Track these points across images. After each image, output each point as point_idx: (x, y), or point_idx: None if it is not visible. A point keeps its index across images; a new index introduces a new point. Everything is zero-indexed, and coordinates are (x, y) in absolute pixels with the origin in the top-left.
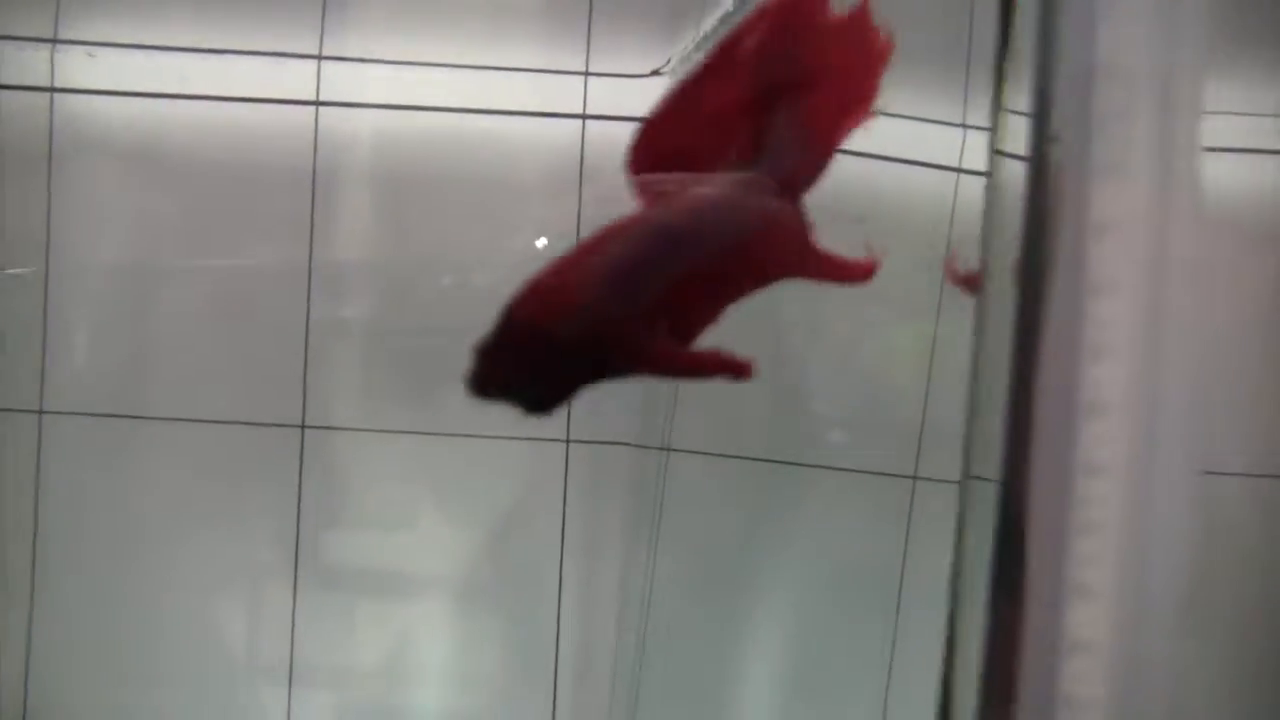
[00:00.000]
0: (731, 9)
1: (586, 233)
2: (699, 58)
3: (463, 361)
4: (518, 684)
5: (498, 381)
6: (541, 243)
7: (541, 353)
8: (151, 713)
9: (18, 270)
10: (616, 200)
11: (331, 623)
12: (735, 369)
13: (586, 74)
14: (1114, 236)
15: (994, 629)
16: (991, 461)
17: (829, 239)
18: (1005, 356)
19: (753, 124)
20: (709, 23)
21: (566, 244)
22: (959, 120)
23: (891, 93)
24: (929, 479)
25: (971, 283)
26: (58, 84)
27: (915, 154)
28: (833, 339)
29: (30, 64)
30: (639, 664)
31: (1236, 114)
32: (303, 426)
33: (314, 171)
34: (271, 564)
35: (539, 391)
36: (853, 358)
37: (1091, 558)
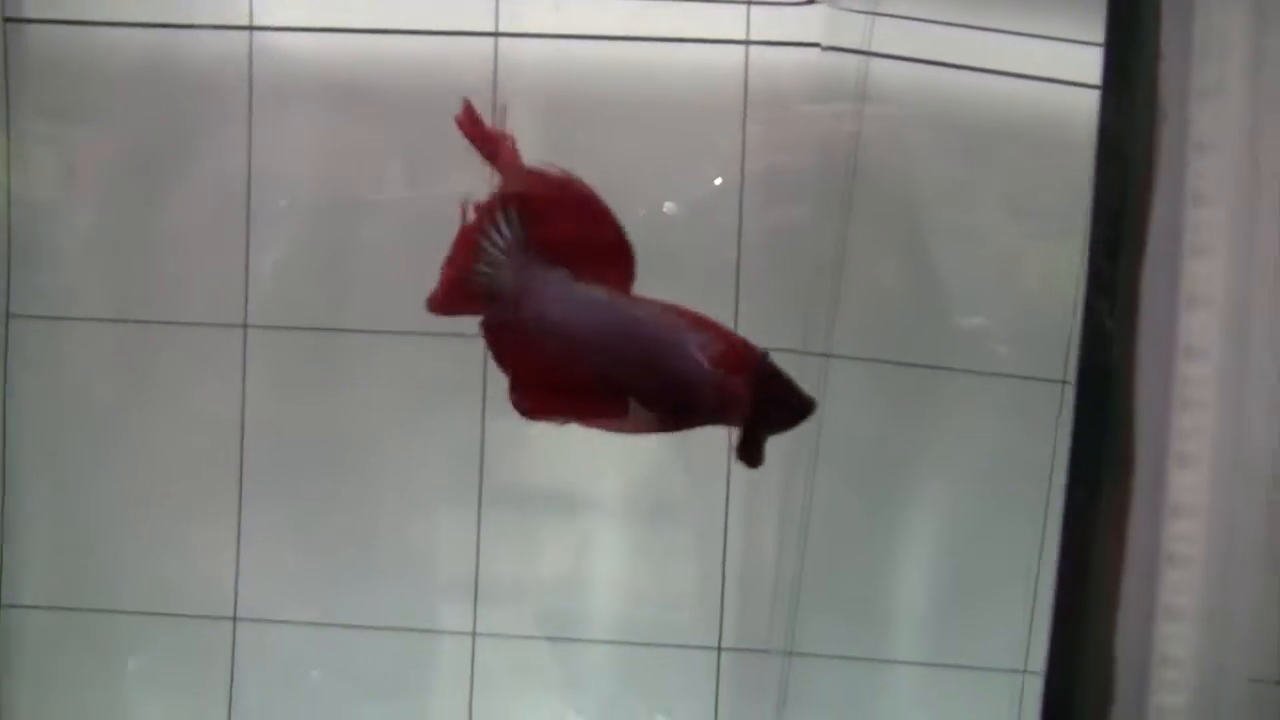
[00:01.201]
0: None
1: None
2: None
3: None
4: (687, 592)
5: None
6: (718, 181)
7: None
8: (356, 610)
9: None
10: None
11: (513, 534)
12: None
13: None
14: (1213, 153)
15: (1105, 497)
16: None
17: None
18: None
19: None
20: None
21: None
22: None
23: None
24: None
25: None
26: (256, 22)
27: (1057, 74)
28: (987, 248)
29: (228, 3)
30: (800, 570)
31: None
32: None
33: (493, 101)
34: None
35: None
36: (1006, 267)
37: (1191, 430)
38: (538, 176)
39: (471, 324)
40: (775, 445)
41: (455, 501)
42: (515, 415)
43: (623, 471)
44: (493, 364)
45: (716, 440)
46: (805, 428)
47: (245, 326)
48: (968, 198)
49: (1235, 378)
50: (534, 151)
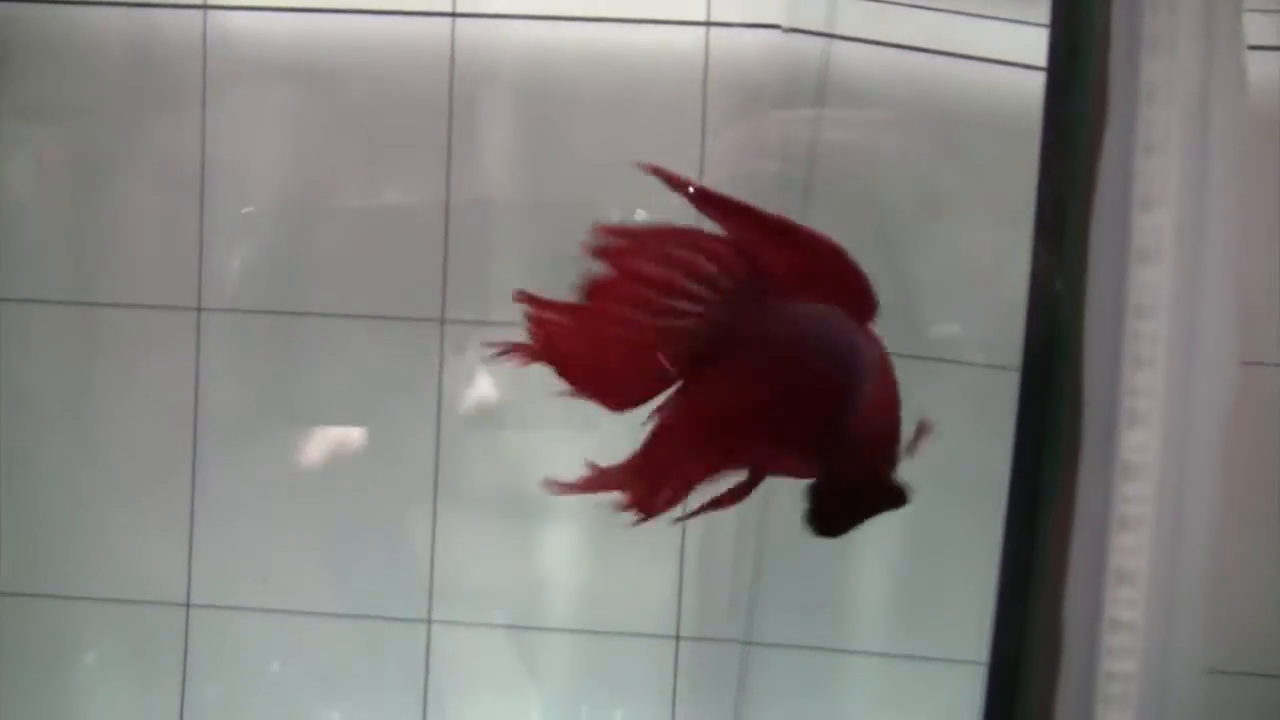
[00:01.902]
0: None
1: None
2: None
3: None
4: (645, 582)
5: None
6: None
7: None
8: (310, 597)
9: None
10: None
11: (470, 523)
12: None
13: None
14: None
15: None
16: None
17: None
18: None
19: None
20: None
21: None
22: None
23: None
24: None
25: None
26: (210, 1)
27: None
28: (953, 237)
29: None
30: (759, 559)
31: None
32: (441, 321)
33: (451, 82)
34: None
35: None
36: (971, 254)
37: (1143, 388)
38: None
39: (427, 308)
40: None
41: (411, 488)
42: (472, 403)
43: (583, 461)
44: (451, 353)
45: None
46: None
47: (199, 310)
48: (932, 184)
49: (1184, 334)
50: (495, 132)
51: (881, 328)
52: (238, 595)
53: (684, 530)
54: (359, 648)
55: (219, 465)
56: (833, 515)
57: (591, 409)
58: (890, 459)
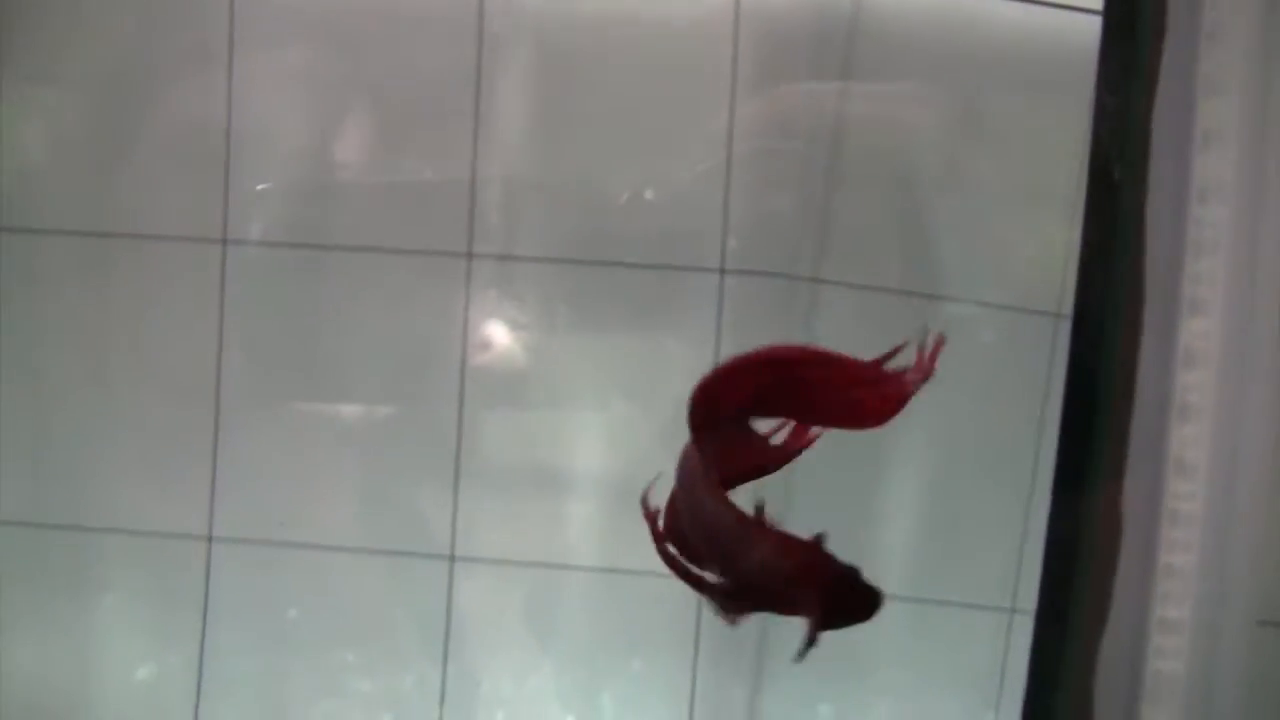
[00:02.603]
0: None
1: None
2: None
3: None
4: None
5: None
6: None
7: None
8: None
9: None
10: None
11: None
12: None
13: None
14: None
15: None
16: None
17: None
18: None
19: None
20: None
21: None
22: None
23: None
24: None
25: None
26: None
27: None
28: (983, 180)
29: None
30: (784, 503)
31: None
32: (469, 255)
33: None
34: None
35: None
36: (994, 198)
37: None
38: None
39: (453, 241)
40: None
41: (435, 423)
42: (499, 332)
43: (604, 384)
44: (476, 285)
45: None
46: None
47: (224, 242)
48: (963, 126)
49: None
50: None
51: (907, 263)
52: (260, 529)
53: None
54: (380, 581)
55: (243, 399)
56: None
57: (611, 353)
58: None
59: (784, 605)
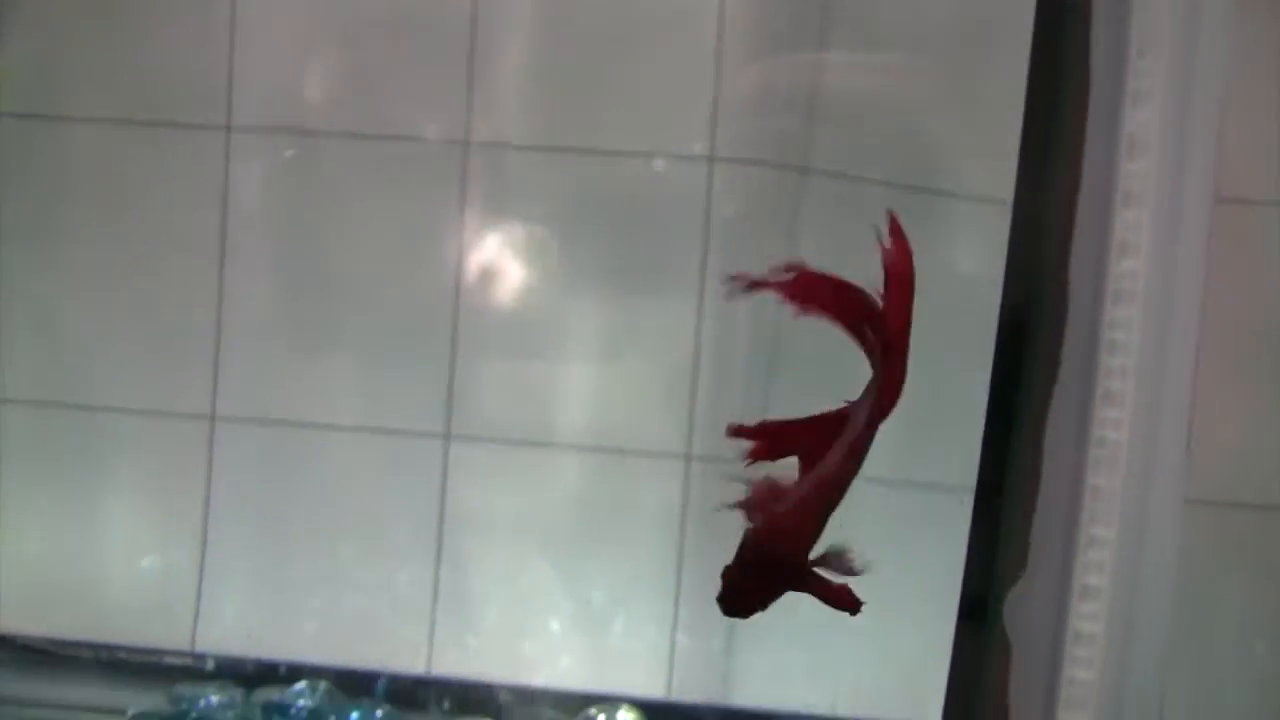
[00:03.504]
0: None
1: None
2: None
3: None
4: (656, 401)
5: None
6: None
7: (770, 580)
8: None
9: None
10: None
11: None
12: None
13: None
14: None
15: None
16: None
17: None
18: None
19: None
20: None
21: None
22: None
23: None
24: None
25: None
26: None
27: None
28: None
29: None
30: (766, 385)
31: None
32: (465, 143)
33: None
34: None
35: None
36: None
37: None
38: None
39: (452, 129)
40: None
41: (432, 303)
42: (494, 218)
43: (600, 270)
44: (474, 164)
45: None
46: (774, 241)
47: (228, 129)
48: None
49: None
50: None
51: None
52: (262, 409)
53: (698, 352)
54: (378, 459)
55: (245, 279)
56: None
57: (603, 240)
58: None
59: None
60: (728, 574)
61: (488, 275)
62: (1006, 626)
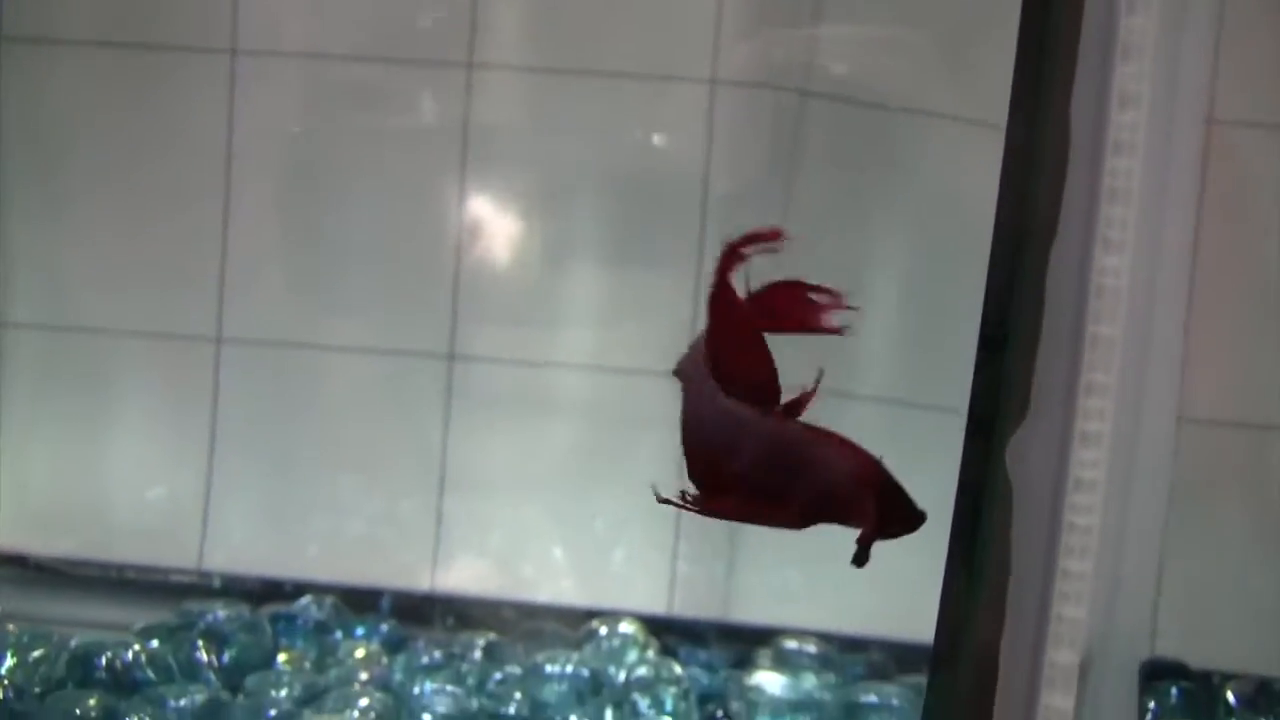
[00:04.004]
0: None
1: None
2: None
3: None
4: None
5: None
6: None
7: None
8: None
9: None
10: None
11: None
12: None
13: None
14: None
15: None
16: None
17: None
18: None
19: None
20: None
21: None
22: None
23: None
24: None
25: None
26: None
27: None
28: None
29: None
30: None
31: None
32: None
33: None
34: None
35: None
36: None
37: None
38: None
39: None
40: (754, 162)
41: (435, 223)
42: (499, 140)
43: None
44: (478, 82)
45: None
46: (777, 165)
47: (233, 52)
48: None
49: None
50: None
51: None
52: (267, 331)
53: (699, 273)
54: (383, 381)
55: (251, 201)
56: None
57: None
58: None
59: (842, 512)
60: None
61: (492, 196)
62: (1009, 470)
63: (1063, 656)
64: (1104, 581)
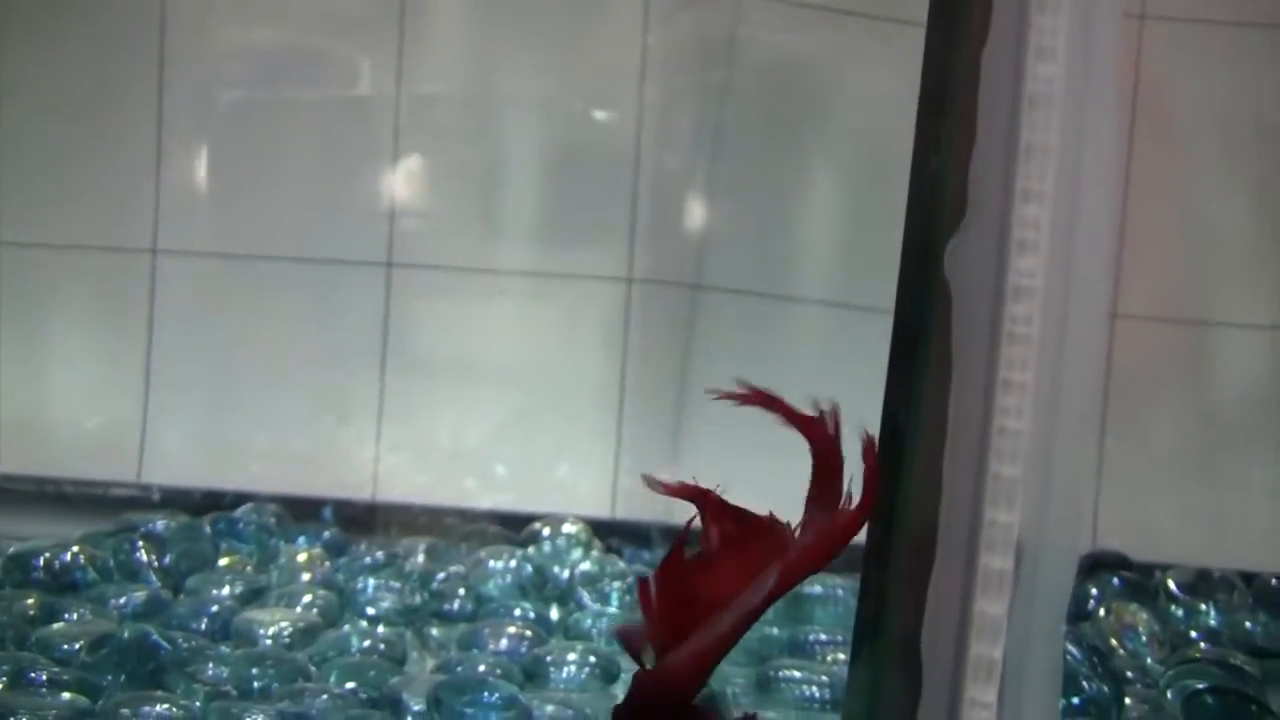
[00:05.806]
0: None
1: None
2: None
3: None
4: (601, 227)
5: None
6: None
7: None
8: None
9: None
10: None
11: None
12: None
13: None
14: None
15: None
16: None
17: None
18: None
19: None
20: None
21: None
22: None
23: None
24: None
25: None
26: None
27: None
28: None
29: None
30: (709, 207)
31: None
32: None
33: None
34: None
35: None
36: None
37: None
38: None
39: None
40: (687, 82)
41: (371, 131)
42: (427, 45)
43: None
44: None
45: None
46: (718, 65)
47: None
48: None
49: None
50: None
51: None
52: (202, 242)
53: (636, 186)
54: (321, 292)
55: (185, 106)
56: None
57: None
58: None
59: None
60: (616, 714)
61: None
62: (947, 274)
63: (1001, 516)
64: (1039, 443)
